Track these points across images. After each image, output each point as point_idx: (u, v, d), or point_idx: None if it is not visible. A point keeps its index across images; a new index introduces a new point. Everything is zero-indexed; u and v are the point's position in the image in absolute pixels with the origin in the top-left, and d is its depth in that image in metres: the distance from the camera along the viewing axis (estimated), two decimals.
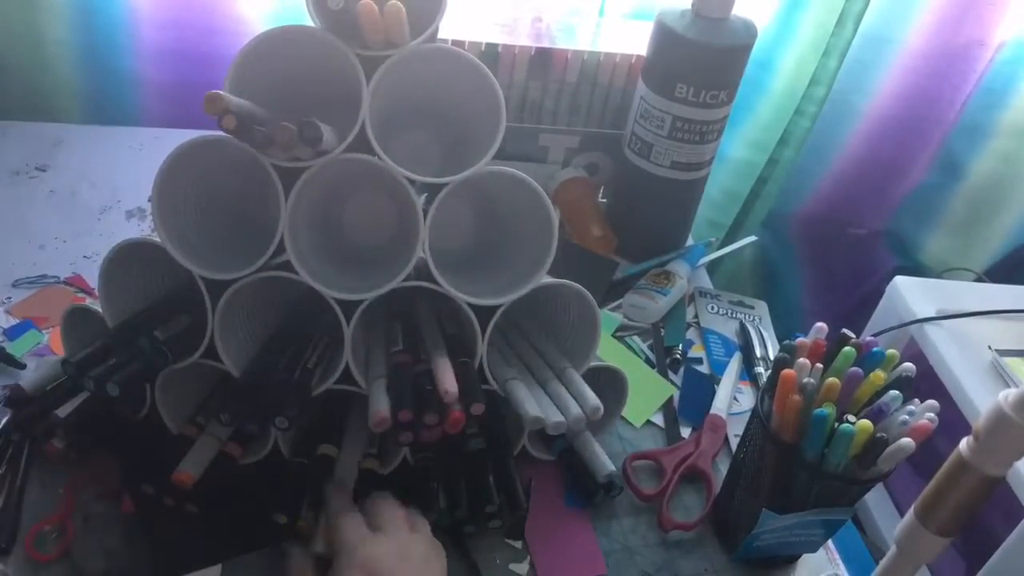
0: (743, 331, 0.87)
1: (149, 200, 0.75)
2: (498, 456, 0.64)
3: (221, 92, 0.47)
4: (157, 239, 0.56)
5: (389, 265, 0.59)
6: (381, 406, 0.54)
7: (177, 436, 0.61)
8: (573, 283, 0.63)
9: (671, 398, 0.78)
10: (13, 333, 0.73)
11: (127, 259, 0.59)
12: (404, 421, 0.54)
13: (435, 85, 0.60)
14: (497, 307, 0.60)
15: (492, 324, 0.60)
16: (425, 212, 0.57)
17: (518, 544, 0.63)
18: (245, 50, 0.54)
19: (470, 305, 0.59)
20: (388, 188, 0.58)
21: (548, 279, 0.61)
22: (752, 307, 0.92)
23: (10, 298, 0.77)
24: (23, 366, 0.70)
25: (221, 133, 0.49)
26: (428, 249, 0.58)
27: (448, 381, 0.54)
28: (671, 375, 0.81)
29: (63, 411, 0.62)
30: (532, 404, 0.59)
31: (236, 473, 0.61)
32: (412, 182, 0.56)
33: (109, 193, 0.91)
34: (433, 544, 0.56)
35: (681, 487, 0.70)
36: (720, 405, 0.76)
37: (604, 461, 0.66)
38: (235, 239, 0.60)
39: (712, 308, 0.91)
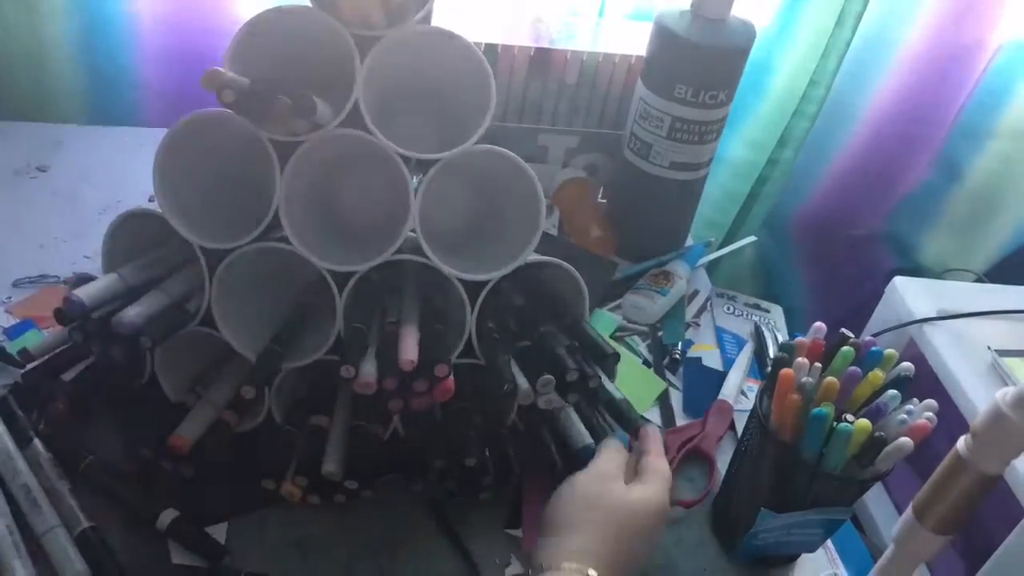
0: (757, 333, 0.88)
1: (150, 200, 0.76)
2: (491, 429, 0.65)
3: (220, 68, 0.49)
4: (159, 210, 0.58)
5: (385, 242, 0.60)
6: (367, 372, 0.55)
7: (175, 405, 0.63)
8: (558, 260, 0.64)
9: (666, 392, 0.79)
10: (13, 333, 0.73)
11: (130, 231, 0.62)
12: (389, 389, 0.55)
13: (433, 69, 0.62)
14: (486, 283, 0.62)
15: (480, 299, 0.62)
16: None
17: (518, 532, 0.64)
18: (243, 30, 0.55)
19: (461, 282, 0.61)
20: (386, 168, 0.60)
21: (535, 256, 0.63)
22: (768, 311, 0.93)
23: (10, 298, 0.77)
24: (23, 366, 0.70)
25: (223, 109, 0.50)
26: (419, 224, 0.59)
27: (410, 350, 0.55)
28: (669, 375, 0.81)
29: (68, 375, 0.66)
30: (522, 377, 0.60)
31: (232, 439, 0.63)
32: (406, 161, 0.58)
33: (109, 193, 0.91)
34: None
35: (684, 467, 0.71)
36: (728, 392, 0.77)
37: (581, 431, 0.66)
38: (241, 214, 0.61)
39: (728, 309, 0.92)
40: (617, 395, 0.64)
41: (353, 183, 0.66)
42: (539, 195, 0.61)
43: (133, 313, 0.56)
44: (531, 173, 0.60)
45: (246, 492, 0.61)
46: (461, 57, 0.59)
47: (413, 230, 0.60)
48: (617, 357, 0.63)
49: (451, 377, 0.56)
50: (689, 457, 0.71)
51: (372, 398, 0.56)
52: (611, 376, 0.67)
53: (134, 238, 0.64)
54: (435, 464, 0.60)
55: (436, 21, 0.61)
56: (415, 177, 0.61)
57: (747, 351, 0.84)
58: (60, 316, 0.57)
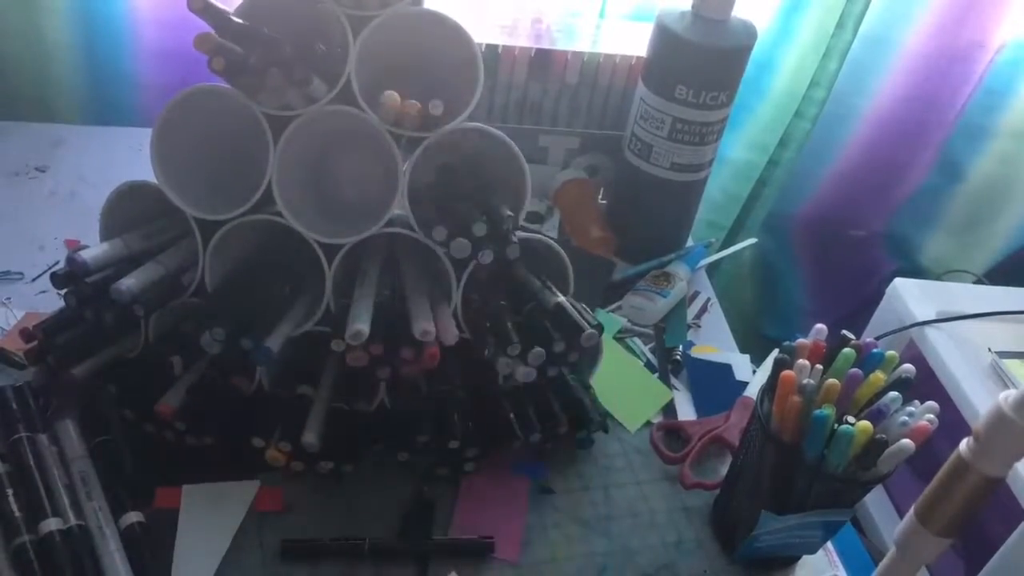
0: None
1: None
2: (476, 403, 0.66)
3: (212, 32, 0.49)
4: (156, 182, 0.59)
5: (375, 217, 0.61)
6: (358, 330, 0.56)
7: (163, 373, 0.64)
8: (544, 237, 0.66)
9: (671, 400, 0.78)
10: None
11: (128, 208, 0.64)
12: (375, 355, 0.56)
13: (427, 51, 0.63)
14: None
15: (466, 274, 0.63)
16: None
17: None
18: (237, 9, 0.56)
19: (449, 257, 0.62)
20: (378, 146, 0.61)
21: (521, 234, 0.64)
22: None
23: (10, 298, 0.77)
24: (23, 366, 0.69)
25: (222, 84, 0.51)
26: (407, 200, 0.60)
27: (426, 322, 0.57)
28: (672, 378, 0.81)
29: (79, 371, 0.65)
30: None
31: (224, 406, 0.64)
32: (398, 139, 0.60)
33: (108, 193, 0.90)
34: None
35: (705, 456, 0.71)
36: (754, 391, 0.77)
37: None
38: (240, 189, 0.62)
39: None
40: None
41: (348, 160, 0.68)
42: (524, 170, 0.62)
43: (130, 282, 0.58)
44: (517, 150, 0.62)
45: (234, 455, 0.63)
46: (451, 39, 0.60)
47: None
48: (601, 329, 0.64)
49: (436, 345, 0.57)
50: (711, 445, 0.72)
51: (359, 369, 0.57)
52: (596, 351, 0.69)
53: (132, 215, 0.65)
54: (419, 439, 0.62)
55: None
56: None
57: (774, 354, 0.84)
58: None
